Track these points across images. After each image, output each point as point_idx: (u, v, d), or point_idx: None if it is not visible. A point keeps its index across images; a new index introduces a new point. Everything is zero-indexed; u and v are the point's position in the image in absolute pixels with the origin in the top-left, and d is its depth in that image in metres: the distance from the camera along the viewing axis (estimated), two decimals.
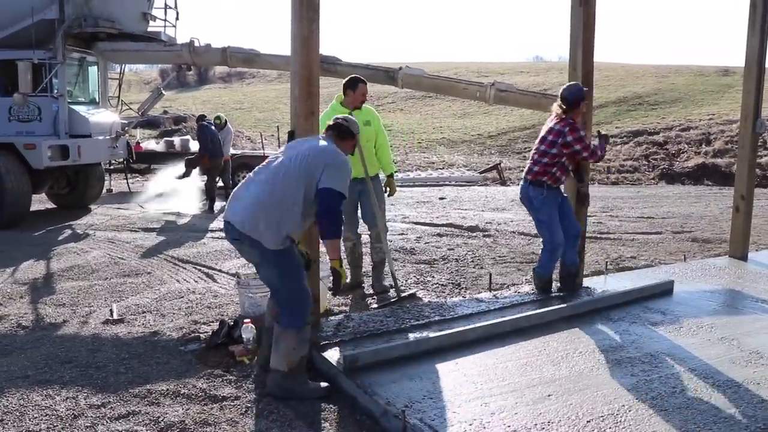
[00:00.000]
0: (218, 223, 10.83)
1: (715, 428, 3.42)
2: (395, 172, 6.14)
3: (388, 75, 10.59)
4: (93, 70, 12.36)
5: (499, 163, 21.97)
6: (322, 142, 4.12)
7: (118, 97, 13.44)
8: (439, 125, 31.65)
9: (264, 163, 4.14)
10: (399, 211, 12.06)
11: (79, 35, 11.46)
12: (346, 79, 6.19)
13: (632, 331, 5.03)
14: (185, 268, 7.50)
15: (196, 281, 6.95)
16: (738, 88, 7.99)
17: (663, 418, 3.54)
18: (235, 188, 4.16)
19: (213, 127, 12.78)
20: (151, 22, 12.49)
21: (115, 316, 5.61)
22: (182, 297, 6.28)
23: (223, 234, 9.38)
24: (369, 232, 6.46)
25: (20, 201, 10.44)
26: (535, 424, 3.46)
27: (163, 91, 13.57)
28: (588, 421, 3.49)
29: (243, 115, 35.84)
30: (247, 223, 3.85)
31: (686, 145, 22.56)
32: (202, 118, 13.12)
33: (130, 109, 13.86)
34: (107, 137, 11.81)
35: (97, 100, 12.54)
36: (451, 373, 4.18)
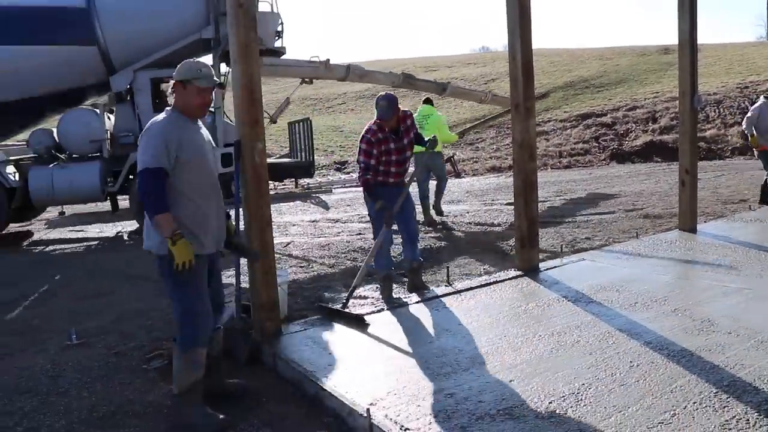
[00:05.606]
0: None
1: (671, 396, 3.53)
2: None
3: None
4: None
5: (453, 156, 22.12)
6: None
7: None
8: None
9: None
10: (356, 211, 12.10)
11: (226, 53, 11.69)
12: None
13: (589, 310, 5.15)
14: (145, 286, 7.42)
15: (156, 298, 6.88)
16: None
17: (622, 392, 3.63)
18: None
19: None
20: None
21: (75, 340, 5.53)
22: (143, 315, 6.21)
23: None
24: None
25: None
26: (498, 410, 3.52)
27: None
28: (550, 402, 3.57)
29: None
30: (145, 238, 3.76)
31: (633, 125, 23.03)
32: None
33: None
34: None
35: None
36: (414, 368, 4.23)
